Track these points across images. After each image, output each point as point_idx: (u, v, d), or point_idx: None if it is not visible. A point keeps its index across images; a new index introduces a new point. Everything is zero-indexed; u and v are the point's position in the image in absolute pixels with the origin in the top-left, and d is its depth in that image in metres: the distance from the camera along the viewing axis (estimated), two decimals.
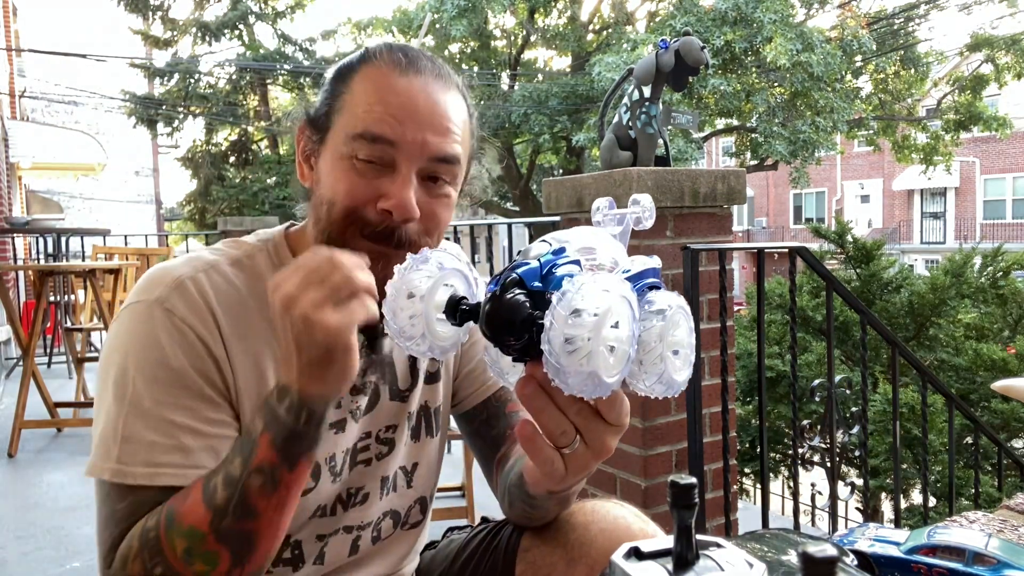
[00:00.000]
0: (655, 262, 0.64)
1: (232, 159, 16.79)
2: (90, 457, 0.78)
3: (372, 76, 0.83)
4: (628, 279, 0.60)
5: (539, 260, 0.58)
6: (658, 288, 0.63)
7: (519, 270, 0.58)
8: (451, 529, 1.10)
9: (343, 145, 0.82)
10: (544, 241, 0.62)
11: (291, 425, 0.70)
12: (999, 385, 1.84)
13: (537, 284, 0.57)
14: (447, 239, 1.07)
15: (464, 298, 0.63)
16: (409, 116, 0.81)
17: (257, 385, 0.82)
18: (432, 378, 1.00)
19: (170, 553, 0.70)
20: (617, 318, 0.54)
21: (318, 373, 0.69)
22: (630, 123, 2.13)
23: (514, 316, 0.56)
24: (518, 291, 0.56)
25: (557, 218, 2.33)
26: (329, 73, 0.88)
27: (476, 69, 14.23)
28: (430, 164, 0.82)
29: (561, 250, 0.60)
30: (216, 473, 0.72)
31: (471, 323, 0.62)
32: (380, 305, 0.84)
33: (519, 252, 0.62)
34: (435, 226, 0.85)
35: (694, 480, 0.51)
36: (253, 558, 0.72)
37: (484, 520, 1.05)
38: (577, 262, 0.59)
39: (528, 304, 0.56)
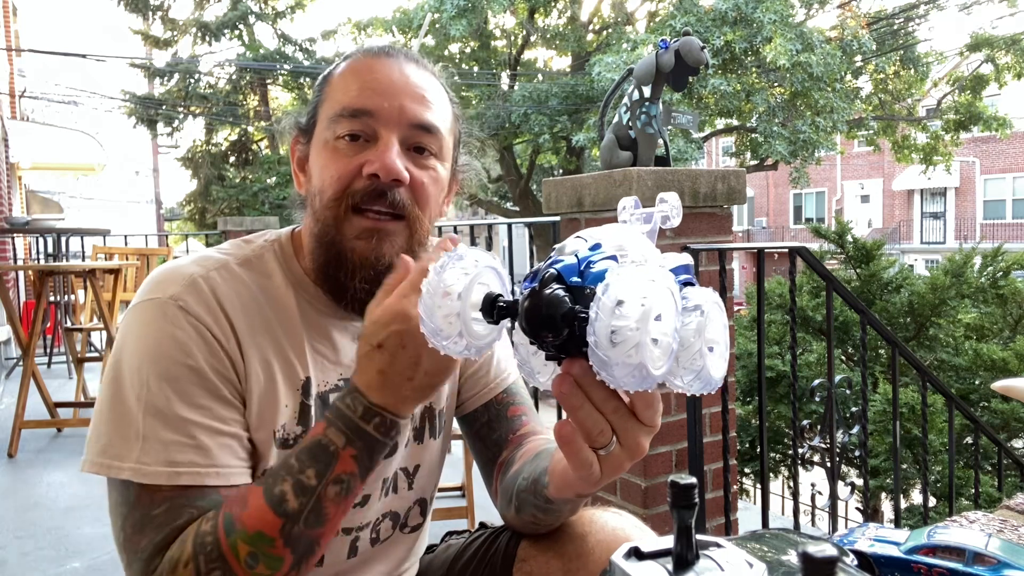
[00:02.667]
0: (687, 259, 0.63)
1: (232, 159, 16.80)
2: (92, 455, 0.77)
3: (349, 66, 0.88)
4: None
5: (576, 256, 0.58)
6: (692, 284, 0.62)
7: (556, 265, 0.57)
8: (449, 533, 1.10)
9: (326, 130, 0.85)
10: (579, 238, 0.61)
11: (380, 440, 0.74)
12: (999, 385, 1.84)
13: (576, 279, 0.56)
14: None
15: (500, 295, 0.62)
16: (384, 87, 0.84)
17: (264, 384, 0.83)
18: None
19: (232, 558, 0.71)
20: (661, 310, 0.53)
21: (427, 394, 0.74)
22: (630, 123, 2.13)
23: (554, 311, 0.54)
24: (557, 286, 0.55)
25: (557, 218, 2.33)
26: (316, 82, 0.92)
27: (476, 69, 14.23)
28: (411, 132, 0.85)
29: (597, 246, 0.59)
30: (279, 480, 0.74)
31: (507, 321, 0.61)
32: (377, 282, 0.81)
33: (553, 249, 0.61)
34: (425, 198, 0.86)
35: (694, 480, 0.51)
36: (311, 560, 0.75)
37: (483, 526, 1.04)
38: (614, 257, 0.58)
39: (568, 299, 0.55)
